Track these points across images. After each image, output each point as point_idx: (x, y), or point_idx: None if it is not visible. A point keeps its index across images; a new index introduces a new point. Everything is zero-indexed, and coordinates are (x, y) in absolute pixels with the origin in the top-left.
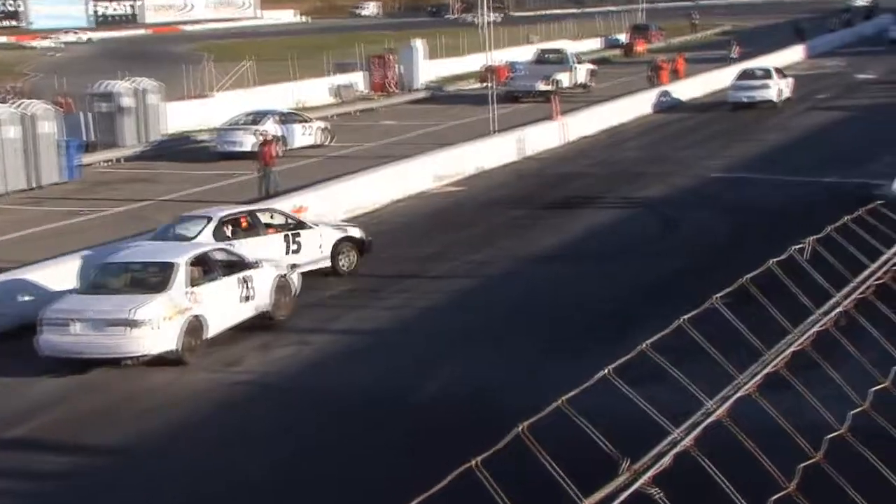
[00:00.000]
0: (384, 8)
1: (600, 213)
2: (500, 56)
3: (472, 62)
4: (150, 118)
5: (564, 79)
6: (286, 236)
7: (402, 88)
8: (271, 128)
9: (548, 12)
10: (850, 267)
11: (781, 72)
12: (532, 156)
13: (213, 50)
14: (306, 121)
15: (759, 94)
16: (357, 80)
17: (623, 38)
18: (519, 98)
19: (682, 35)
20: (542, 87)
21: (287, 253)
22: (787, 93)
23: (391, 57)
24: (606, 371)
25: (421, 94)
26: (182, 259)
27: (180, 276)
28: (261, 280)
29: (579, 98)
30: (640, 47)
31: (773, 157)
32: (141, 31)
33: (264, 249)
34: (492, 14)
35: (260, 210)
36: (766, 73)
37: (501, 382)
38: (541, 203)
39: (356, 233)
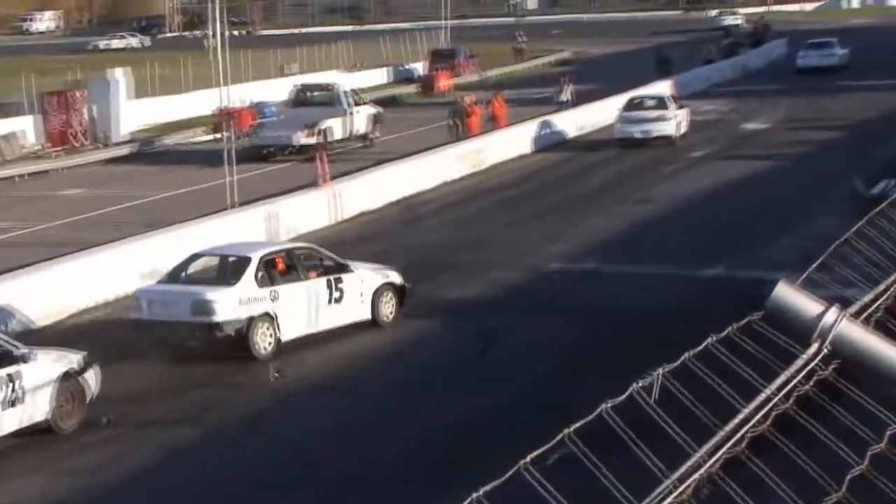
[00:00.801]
0: (67, 20)
1: (385, 328)
2: (242, 94)
3: (201, 102)
4: None
5: (336, 127)
6: (329, 282)
7: (94, 141)
8: None
9: (310, 30)
10: (722, 411)
11: (676, 99)
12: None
13: None
14: None
15: (656, 129)
16: (24, 127)
17: (420, 68)
18: (270, 155)
19: (503, 65)
20: (303, 139)
21: (329, 302)
22: (684, 126)
23: (77, 95)
24: None
25: (124, 150)
26: None
27: None
28: (35, 378)
29: (359, 155)
30: (444, 82)
31: (635, 238)
32: None
33: (306, 296)
34: (227, 31)
35: (298, 247)
36: (661, 103)
37: None
38: None
39: (396, 278)
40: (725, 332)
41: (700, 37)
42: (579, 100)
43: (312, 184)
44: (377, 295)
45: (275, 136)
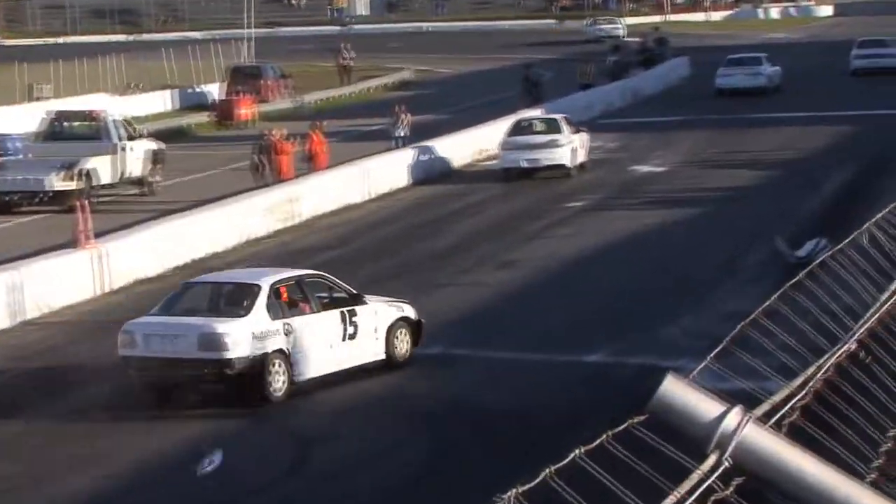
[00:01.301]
0: None
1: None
2: None
3: None
4: None
5: (102, 168)
6: (342, 315)
7: None
8: None
9: (70, 40)
10: None
11: (571, 122)
12: (41, 319)
13: None
14: None
15: (546, 157)
16: None
17: (216, 91)
18: (14, 204)
19: (324, 88)
20: (58, 183)
21: (343, 339)
22: (582, 155)
23: None
24: None
25: None
26: None
27: None
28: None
29: (133, 205)
30: (247, 109)
31: (496, 313)
32: None
33: (320, 331)
34: None
35: (308, 274)
36: (552, 126)
37: None
38: None
39: (411, 312)
40: (598, 442)
41: (580, 52)
42: (426, 134)
43: (71, 243)
44: (391, 331)
45: (20, 179)
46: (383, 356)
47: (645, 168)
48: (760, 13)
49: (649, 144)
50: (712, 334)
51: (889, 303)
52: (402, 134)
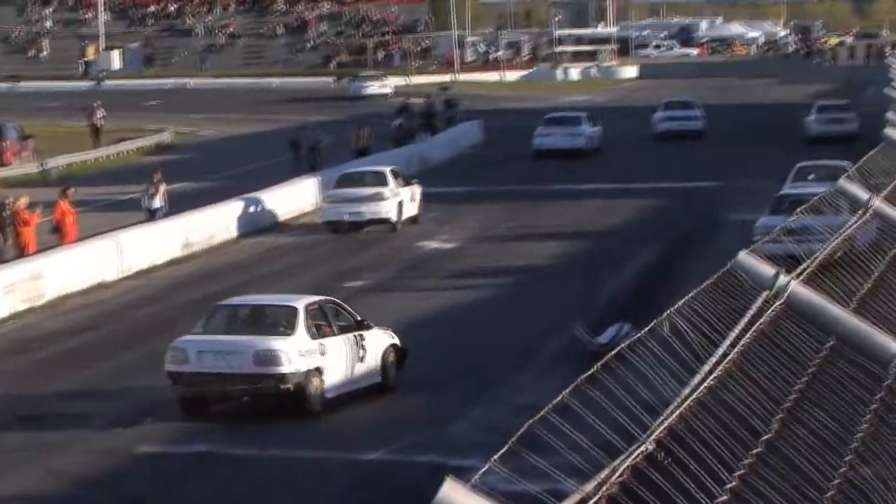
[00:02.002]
0: None
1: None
2: None
3: None
4: None
5: None
6: (356, 338)
7: None
8: None
9: None
10: None
11: (401, 175)
12: None
13: None
14: None
15: (370, 210)
16: None
17: None
18: None
19: (73, 151)
20: None
21: (357, 360)
22: (413, 208)
23: None
24: None
25: None
26: None
27: None
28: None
29: None
30: None
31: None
32: None
33: (342, 352)
34: None
35: (325, 299)
36: (379, 178)
37: None
38: None
39: (396, 339)
40: None
41: (359, 114)
42: (185, 204)
43: None
44: (385, 356)
45: None
46: (379, 379)
47: (433, 244)
48: (559, 74)
49: (438, 217)
50: (505, 429)
51: (689, 399)
52: (158, 205)
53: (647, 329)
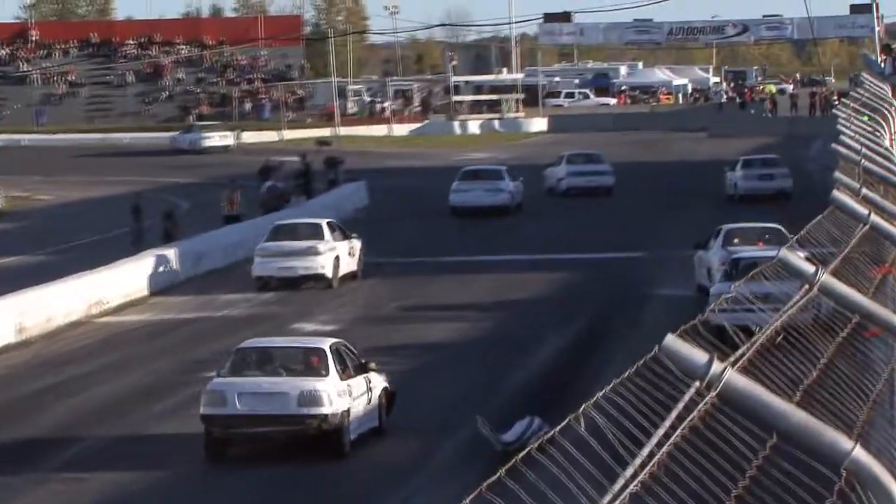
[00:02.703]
0: None
1: None
2: None
3: None
4: None
5: None
6: (366, 380)
7: None
8: None
9: None
10: None
11: (338, 227)
12: None
13: None
14: None
15: (304, 265)
16: None
17: None
18: None
19: None
20: None
21: (368, 402)
22: (352, 263)
23: None
24: None
25: None
26: None
27: None
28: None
29: None
30: None
31: None
32: None
33: (359, 394)
34: None
35: (337, 341)
36: (314, 231)
37: None
38: None
39: (387, 382)
40: None
41: (230, 174)
42: (14, 281)
43: None
44: (380, 399)
45: None
46: (377, 423)
47: (310, 326)
48: (457, 127)
49: (316, 296)
50: None
51: None
52: None
53: (560, 426)
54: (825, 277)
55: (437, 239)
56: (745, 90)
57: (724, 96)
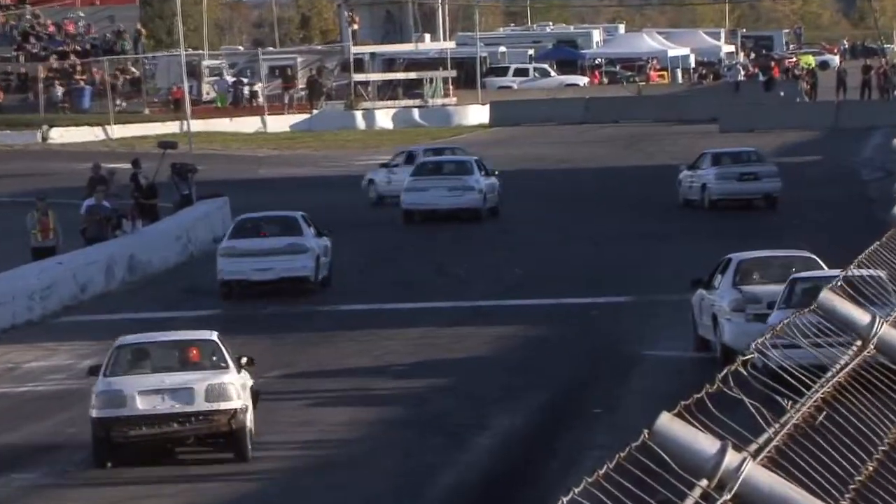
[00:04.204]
0: None
1: None
2: None
3: None
4: None
5: None
6: (243, 376)
7: None
8: None
9: None
10: None
11: (315, 225)
12: None
13: None
14: None
15: (285, 267)
16: None
17: None
18: None
19: None
20: None
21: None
22: (324, 265)
23: None
24: None
25: None
26: None
27: None
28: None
29: None
30: None
31: None
32: None
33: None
34: None
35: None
36: (290, 225)
37: None
38: None
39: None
40: None
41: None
42: None
43: None
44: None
45: None
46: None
47: None
48: (359, 119)
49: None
50: None
51: None
52: None
53: None
54: (885, 330)
55: (337, 278)
56: (772, 63)
57: (742, 73)
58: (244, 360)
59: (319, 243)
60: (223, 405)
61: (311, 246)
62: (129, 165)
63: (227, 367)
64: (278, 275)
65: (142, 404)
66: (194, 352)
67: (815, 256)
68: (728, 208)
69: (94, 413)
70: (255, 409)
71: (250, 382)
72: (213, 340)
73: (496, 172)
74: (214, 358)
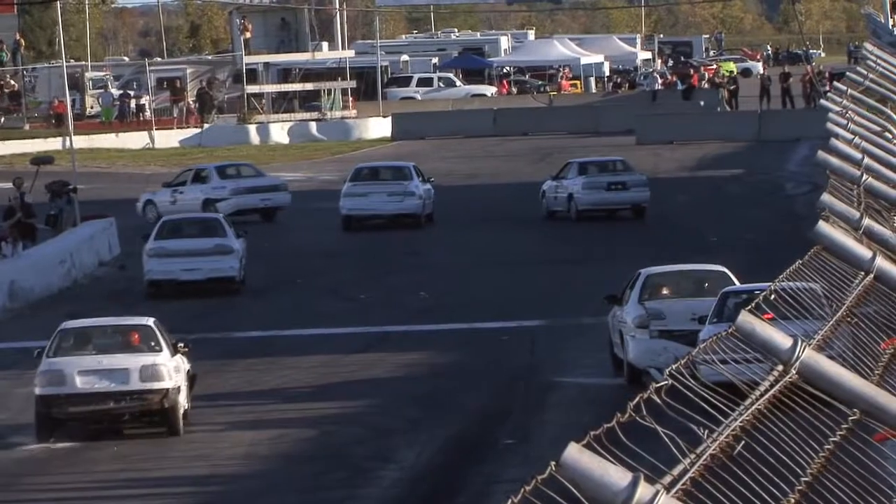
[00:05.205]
0: None
1: None
2: None
3: None
4: None
5: None
6: (180, 359)
7: None
8: None
9: None
10: None
11: (233, 227)
12: None
13: None
14: None
15: (212, 267)
16: None
17: None
18: None
19: None
20: None
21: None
22: (243, 266)
23: None
24: None
25: None
26: None
27: None
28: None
29: None
30: None
31: None
32: None
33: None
34: None
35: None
36: (213, 227)
37: None
38: None
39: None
40: None
41: None
42: None
43: None
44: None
45: None
46: (187, 404)
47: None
48: (253, 133)
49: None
50: None
51: None
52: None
53: None
54: (807, 355)
55: (229, 307)
56: (691, 71)
57: (660, 81)
58: (181, 345)
59: (241, 245)
60: (156, 385)
61: (236, 248)
62: (10, 185)
63: (161, 350)
64: (206, 275)
65: (81, 383)
66: (132, 336)
67: (726, 270)
68: (594, 219)
69: (37, 391)
70: (191, 390)
71: (186, 366)
72: (149, 326)
73: (431, 179)
74: (151, 342)
